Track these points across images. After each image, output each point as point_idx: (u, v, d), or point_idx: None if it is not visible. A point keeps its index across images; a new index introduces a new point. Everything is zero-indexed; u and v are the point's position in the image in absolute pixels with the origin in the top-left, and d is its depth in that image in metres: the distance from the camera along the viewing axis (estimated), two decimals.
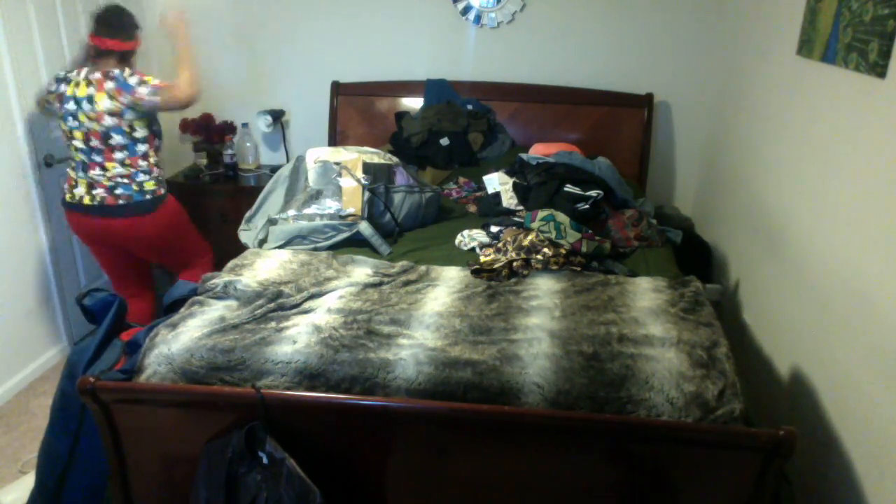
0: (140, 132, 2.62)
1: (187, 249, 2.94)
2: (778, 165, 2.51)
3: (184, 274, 2.96)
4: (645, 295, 2.00)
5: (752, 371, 2.54)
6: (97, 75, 2.55)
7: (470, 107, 3.57)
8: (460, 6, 3.55)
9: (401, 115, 3.60)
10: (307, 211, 2.52)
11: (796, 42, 2.38)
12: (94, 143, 2.59)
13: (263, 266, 2.14)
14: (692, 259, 2.97)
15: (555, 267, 2.17)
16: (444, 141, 3.40)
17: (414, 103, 3.66)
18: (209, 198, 3.63)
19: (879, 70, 1.76)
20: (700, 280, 2.13)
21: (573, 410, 1.57)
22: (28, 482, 2.33)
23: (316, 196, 2.57)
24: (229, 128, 3.83)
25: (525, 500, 1.61)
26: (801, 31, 2.35)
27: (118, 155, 2.60)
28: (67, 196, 2.67)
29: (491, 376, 1.61)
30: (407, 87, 3.67)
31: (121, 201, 2.63)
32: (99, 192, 2.62)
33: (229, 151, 3.76)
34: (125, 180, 2.63)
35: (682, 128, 3.66)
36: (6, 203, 2.81)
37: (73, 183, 2.67)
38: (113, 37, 2.56)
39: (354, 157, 2.67)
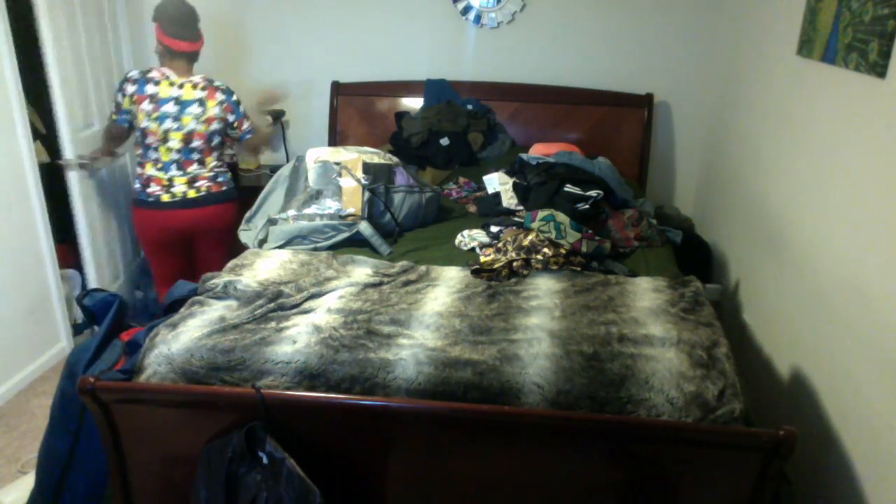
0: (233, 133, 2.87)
1: (222, 255, 2.96)
2: (778, 165, 2.50)
3: None
4: (645, 295, 2.00)
5: (752, 371, 2.54)
6: (201, 81, 2.74)
7: (470, 107, 3.57)
8: (460, 6, 3.55)
9: (401, 115, 3.60)
10: (307, 211, 2.52)
11: (796, 42, 2.38)
12: (197, 143, 2.74)
13: (263, 266, 2.14)
14: (692, 259, 2.97)
15: (555, 267, 2.17)
16: (444, 141, 3.40)
17: (414, 103, 3.66)
18: None
19: (879, 70, 1.76)
20: (700, 280, 2.13)
21: (573, 410, 1.57)
22: (28, 482, 2.32)
23: (316, 196, 2.57)
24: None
25: (525, 500, 1.61)
26: (801, 31, 2.35)
27: (215, 153, 2.84)
28: (164, 197, 2.75)
29: (491, 376, 1.61)
30: (407, 87, 3.67)
31: (224, 187, 2.87)
32: (203, 183, 2.80)
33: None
34: (222, 169, 2.88)
35: (682, 128, 3.66)
36: (6, 203, 2.81)
37: (167, 183, 2.75)
38: (185, 38, 2.70)
39: (354, 157, 2.67)
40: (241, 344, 1.69)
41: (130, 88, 2.68)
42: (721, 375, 1.62)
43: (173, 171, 2.75)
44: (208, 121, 2.72)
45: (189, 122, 2.69)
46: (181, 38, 2.69)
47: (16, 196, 2.86)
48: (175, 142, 2.70)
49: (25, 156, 2.88)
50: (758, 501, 1.51)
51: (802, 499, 2.04)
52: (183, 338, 1.72)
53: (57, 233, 3.13)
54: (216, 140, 2.79)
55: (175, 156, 2.73)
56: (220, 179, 2.85)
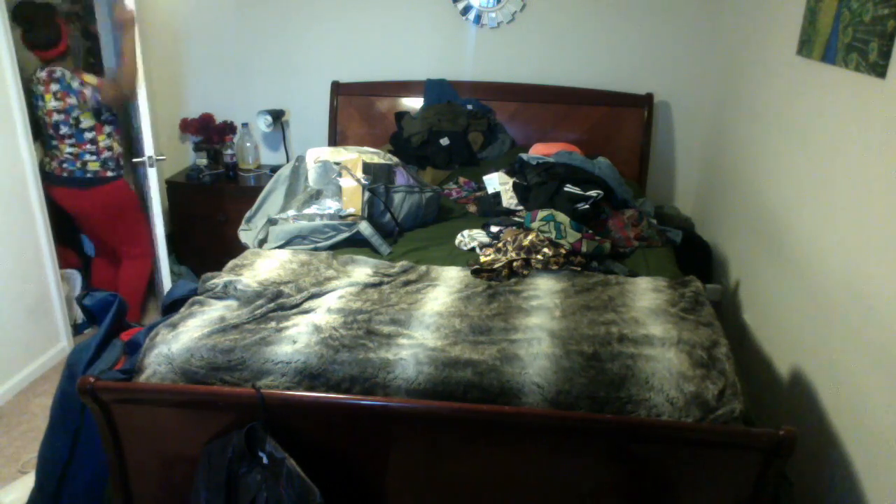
0: (86, 123, 2.93)
1: (121, 236, 3.22)
2: (778, 165, 2.51)
3: (125, 268, 3.29)
4: (645, 295, 2.00)
5: (752, 371, 2.54)
6: (43, 75, 2.86)
7: (470, 107, 3.56)
8: (460, 6, 3.55)
9: (401, 115, 3.60)
10: (307, 211, 2.52)
11: (796, 42, 2.38)
12: (49, 131, 2.95)
13: (263, 266, 2.14)
14: (692, 259, 2.97)
15: (555, 267, 2.17)
16: (444, 141, 3.40)
17: (414, 103, 3.66)
18: (209, 198, 3.63)
19: (879, 70, 1.76)
20: (700, 280, 2.13)
21: (573, 410, 1.57)
22: (28, 482, 2.32)
23: (316, 196, 2.57)
24: (229, 128, 3.83)
25: (525, 500, 1.61)
26: (801, 31, 2.34)
27: (67, 141, 2.94)
28: (47, 166, 3.02)
29: (491, 376, 1.61)
30: (407, 87, 3.67)
31: (64, 174, 2.98)
32: (54, 164, 2.99)
33: (229, 151, 3.76)
34: (71, 157, 2.96)
35: (682, 128, 3.66)
36: (6, 203, 2.81)
37: (49, 156, 3.02)
38: (44, 49, 2.83)
39: (354, 156, 2.67)
40: (242, 344, 1.69)
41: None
42: (721, 375, 1.62)
43: (49, 147, 2.98)
44: (48, 113, 2.89)
45: (41, 115, 2.92)
46: (40, 49, 2.83)
47: (16, 196, 2.86)
48: (43, 125, 2.93)
49: (25, 156, 2.88)
50: (758, 501, 1.51)
51: (802, 499, 2.04)
52: (183, 338, 1.72)
53: (57, 233, 3.13)
54: (64, 129, 2.90)
55: (50, 131, 2.94)
56: (65, 165, 2.95)
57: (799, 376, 2.16)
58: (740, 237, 2.89)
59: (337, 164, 2.63)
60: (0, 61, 2.72)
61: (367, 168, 2.63)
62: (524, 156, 2.98)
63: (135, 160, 3.07)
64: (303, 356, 1.66)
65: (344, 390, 1.62)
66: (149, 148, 3.02)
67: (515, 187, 2.79)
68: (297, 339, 1.71)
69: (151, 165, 3.03)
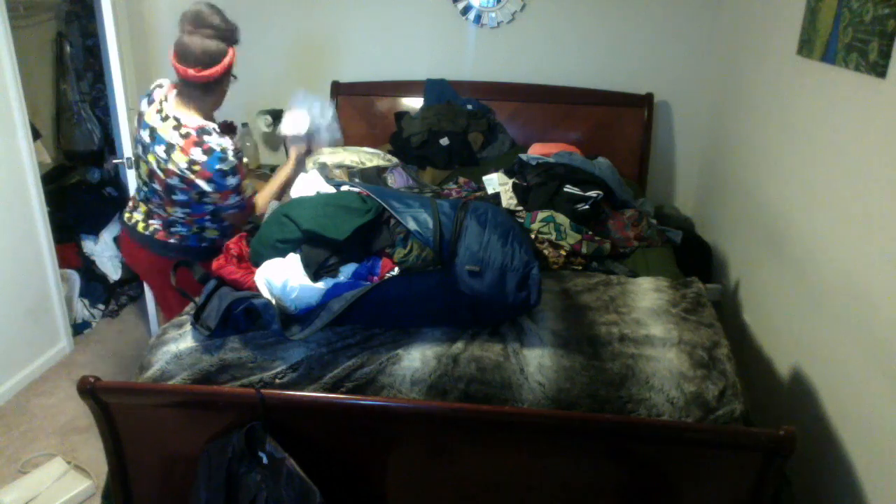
0: (210, 198, 2.15)
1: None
2: (778, 165, 2.51)
3: None
4: (646, 295, 2.00)
5: (752, 371, 2.54)
6: (189, 130, 2.06)
7: (470, 107, 3.56)
8: (460, 6, 3.55)
9: (401, 115, 3.60)
10: None
11: (796, 42, 2.38)
12: (157, 186, 2.16)
13: None
14: (692, 259, 2.97)
15: (555, 267, 2.17)
16: (444, 141, 3.40)
17: (414, 103, 3.66)
18: None
19: (879, 70, 1.76)
20: (700, 280, 2.13)
21: (574, 409, 1.57)
22: (28, 482, 2.33)
23: None
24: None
25: (525, 500, 1.61)
26: (801, 31, 2.35)
27: (179, 209, 2.20)
28: (126, 215, 2.34)
29: (493, 374, 1.61)
30: (407, 87, 3.67)
31: (172, 239, 2.24)
32: (154, 222, 2.26)
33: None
34: (185, 220, 2.23)
35: (682, 128, 3.66)
36: (6, 203, 2.81)
37: (134, 204, 2.33)
38: (187, 63, 2.03)
39: (355, 158, 2.67)
40: (252, 342, 1.69)
41: (142, 102, 2.22)
42: (722, 376, 1.62)
43: (141, 196, 2.30)
44: (168, 173, 2.09)
45: (152, 161, 2.12)
46: (181, 63, 2.04)
47: (16, 196, 2.86)
48: (143, 172, 2.22)
49: (25, 156, 2.88)
50: (758, 501, 1.51)
51: (802, 499, 2.04)
52: (191, 336, 1.72)
53: (57, 233, 3.13)
54: (180, 197, 2.14)
55: (144, 188, 2.25)
56: (173, 229, 2.24)
57: (799, 376, 2.16)
58: (740, 237, 2.89)
59: (324, 165, 2.62)
60: (0, 61, 2.73)
61: (354, 175, 2.62)
62: (523, 156, 2.97)
63: (115, 160, 2.95)
64: (313, 354, 1.66)
65: (347, 389, 1.62)
66: (127, 150, 2.85)
67: (515, 188, 2.79)
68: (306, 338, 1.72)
69: (130, 167, 2.84)
